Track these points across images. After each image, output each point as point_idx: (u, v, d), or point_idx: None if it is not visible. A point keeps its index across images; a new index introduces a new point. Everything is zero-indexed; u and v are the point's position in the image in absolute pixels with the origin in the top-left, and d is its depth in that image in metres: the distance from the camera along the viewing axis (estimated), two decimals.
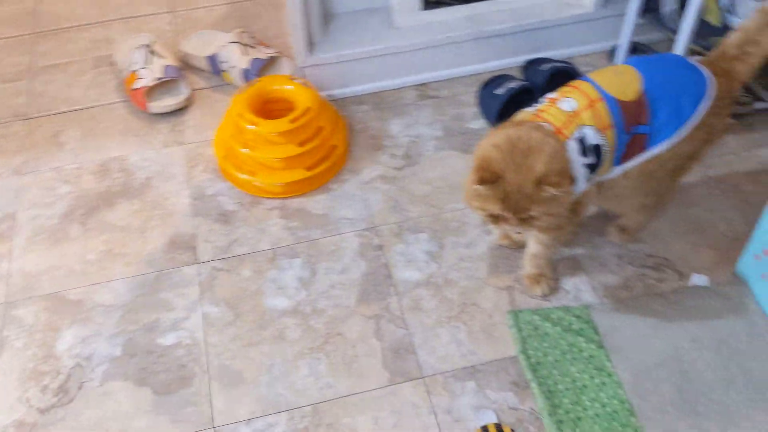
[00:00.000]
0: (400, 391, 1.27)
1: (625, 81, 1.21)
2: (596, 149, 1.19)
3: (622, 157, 1.24)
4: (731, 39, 1.27)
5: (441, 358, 1.31)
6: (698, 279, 1.41)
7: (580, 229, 1.49)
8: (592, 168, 1.21)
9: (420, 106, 1.78)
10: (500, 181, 1.12)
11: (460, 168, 1.63)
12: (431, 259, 1.46)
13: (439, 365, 1.30)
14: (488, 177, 1.11)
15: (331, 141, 1.60)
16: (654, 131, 1.22)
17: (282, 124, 1.51)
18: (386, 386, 1.27)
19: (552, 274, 1.41)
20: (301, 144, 1.53)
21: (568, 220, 1.29)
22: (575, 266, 1.44)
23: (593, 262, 1.45)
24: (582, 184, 1.22)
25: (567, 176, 1.14)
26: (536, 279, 1.39)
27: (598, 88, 1.20)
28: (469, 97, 1.80)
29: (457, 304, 1.39)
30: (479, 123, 1.73)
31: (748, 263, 1.38)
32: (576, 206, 1.28)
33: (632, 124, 1.20)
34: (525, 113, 1.23)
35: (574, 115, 1.18)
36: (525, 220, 1.16)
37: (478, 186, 1.12)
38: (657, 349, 1.30)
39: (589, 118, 1.18)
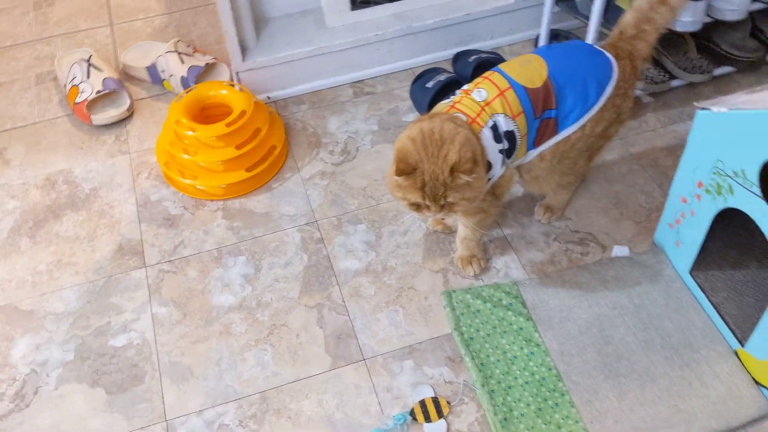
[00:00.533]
0: (342, 374, 1.34)
1: (531, 69, 1.29)
2: (509, 135, 1.27)
3: (535, 141, 1.32)
4: (627, 19, 1.36)
5: (381, 341, 1.39)
6: (619, 250, 1.50)
7: (508, 210, 1.57)
8: (508, 153, 1.30)
9: (356, 103, 1.85)
10: (417, 172, 1.19)
11: None
12: (370, 248, 1.54)
13: (379, 347, 1.38)
14: (405, 168, 1.19)
15: (269, 142, 1.66)
16: (563, 115, 1.30)
17: (218, 128, 1.57)
18: (329, 370, 1.34)
19: (483, 254, 1.49)
20: (239, 146, 1.59)
21: (490, 204, 1.37)
22: (505, 246, 1.52)
23: (522, 241, 1.53)
24: (499, 169, 1.30)
25: (479, 163, 1.22)
26: (468, 260, 1.47)
27: (507, 77, 1.28)
28: (403, 91, 1.87)
29: (395, 289, 1.46)
30: (413, 116, 1.81)
31: (663, 232, 1.47)
32: (497, 189, 1.36)
33: (541, 110, 1.28)
34: (442, 105, 1.31)
35: (485, 104, 1.26)
36: (444, 207, 1.23)
37: (396, 177, 1.20)
38: (581, 317, 1.39)
39: (500, 106, 1.26)
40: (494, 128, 1.26)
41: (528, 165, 1.38)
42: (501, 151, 1.28)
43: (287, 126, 1.79)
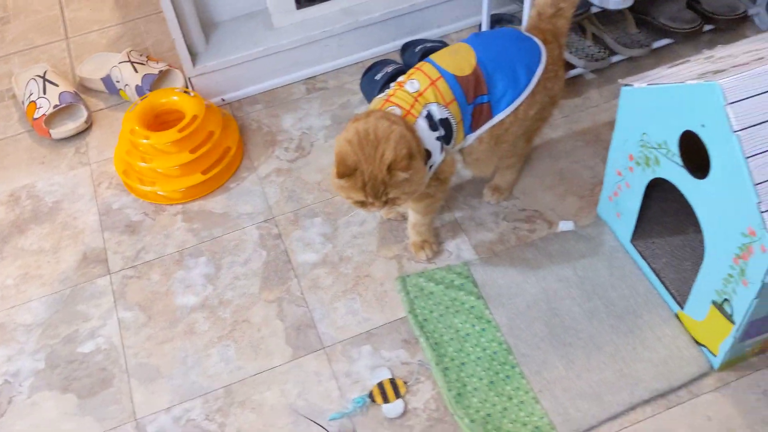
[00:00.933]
0: (303, 364, 1.39)
1: (460, 58, 1.34)
2: (444, 122, 1.32)
3: (472, 126, 1.37)
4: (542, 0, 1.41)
5: (339, 329, 1.44)
6: (564, 225, 1.55)
7: (458, 194, 1.63)
8: (446, 139, 1.35)
9: (309, 99, 1.90)
10: (356, 173, 1.24)
11: None
12: (326, 240, 1.59)
13: (338, 335, 1.43)
14: (344, 170, 1.24)
15: (223, 144, 1.71)
16: (495, 100, 1.35)
17: (171, 134, 1.61)
18: (290, 361, 1.40)
19: (434, 238, 1.54)
20: (193, 150, 1.64)
21: (436, 189, 1.42)
22: (456, 228, 1.58)
23: (472, 223, 1.59)
24: (438, 156, 1.35)
25: (416, 157, 1.26)
26: (420, 245, 1.53)
27: (437, 67, 1.33)
28: (354, 84, 1.92)
29: (351, 278, 1.52)
30: (364, 108, 1.85)
31: (604, 205, 1.53)
32: (440, 175, 1.41)
33: (473, 96, 1.33)
34: (377, 100, 1.36)
35: (418, 95, 1.31)
36: (387, 202, 1.29)
37: (337, 180, 1.25)
38: (529, 292, 1.44)
39: (432, 96, 1.31)
40: (429, 117, 1.31)
41: (468, 149, 1.43)
42: (438, 139, 1.33)
43: (242, 126, 1.84)
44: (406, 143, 1.25)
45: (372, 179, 1.24)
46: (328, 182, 1.69)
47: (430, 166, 1.35)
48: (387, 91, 1.35)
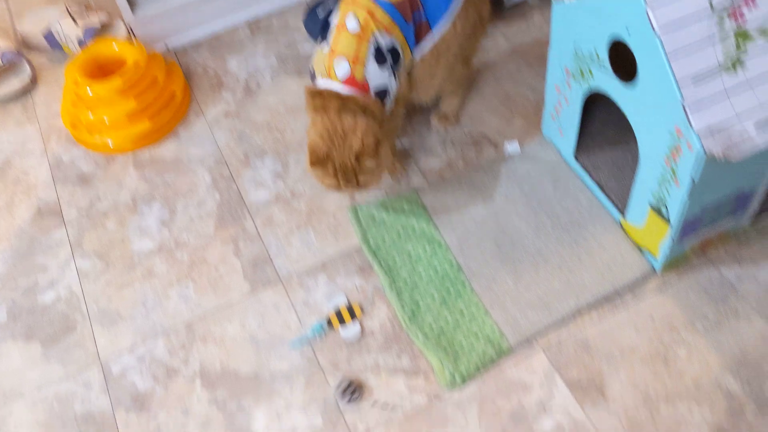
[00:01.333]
0: (261, 297, 1.43)
1: None
2: (392, 51, 1.34)
3: (415, 44, 1.39)
4: None
5: (295, 261, 1.47)
6: (511, 146, 1.58)
7: (407, 123, 1.64)
8: (397, 66, 1.36)
9: (254, 40, 1.89)
10: (328, 162, 1.32)
11: (297, 90, 1.76)
12: (278, 177, 1.61)
13: (294, 267, 1.46)
14: (317, 161, 1.31)
15: (168, 89, 1.70)
16: (431, 15, 1.37)
17: (114, 83, 1.61)
18: (249, 295, 1.43)
19: (399, 160, 1.57)
20: (138, 97, 1.64)
21: (396, 110, 1.44)
22: (405, 157, 1.60)
23: (421, 150, 1.61)
24: (394, 86, 1.37)
25: (383, 143, 1.33)
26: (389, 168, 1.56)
27: None
28: (298, 22, 1.91)
29: (304, 213, 1.54)
30: (309, 46, 1.85)
31: (547, 123, 1.56)
32: (396, 108, 1.44)
33: (411, 15, 1.35)
34: (322, 56, 1.35)
35: (362, 32, 1.31)
36: (359, 185, 1.36)
37: (311, 168, 1.33)
38: (477, 213, 1.48)
39: (375, 28, 1.32)
40: (377, 52, 1.32)
41: (414, 73, 1.44)
42: (389, 69, 1.34)
43: (188, 72, 1.83)
44: (372, 133, 1.31)
45: (343, 167, 1.32)
46: (277, 121, 1.70)
47: (389, 96, 1.37)
48: (329, 40, 1.34)
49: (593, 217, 1.44)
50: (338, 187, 1.36)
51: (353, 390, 1.27)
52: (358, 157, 1.31)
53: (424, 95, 1.54)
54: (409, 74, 1.46)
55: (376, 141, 1.31)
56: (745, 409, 1.19)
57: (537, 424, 1.22)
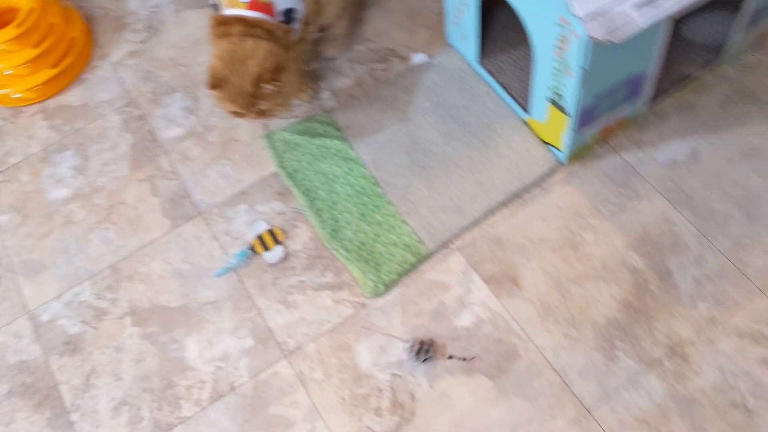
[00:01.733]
0: (183, 232, 1.44)
1: None
2: None
3: None
4: None
5: (213, 194, 1.48)
6: (417, 57, 1.59)
7: (314, 47, 1.64)
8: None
9: None
10: (226, 86, 1.29)
11: (201, 23, 1.73)
12: (189, 113, 1.60)
13: (213, 199, 1.47)
14: (215, 82, 1.30)
15: (68, 34, 1.66)
16: None
17: (9, 31, 1.56)
18: (170, 231, 1.44)
19: (310, 82, 1.58)
20: (37, 45, 1.59)
21: (305, 31, 1.44)
22: (314, 79, 1.60)
23: (329, 72, 1.61)
24: (300, 6, 1.35)
25: (285, 70, 1.31)
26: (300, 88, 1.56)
27: None
28: None
29: (219, 145, 1.54)
30: None
31: (451, 31, 1.57)
32: (305, 30, 1.43)
33: None
34: None
35: None
36: (262, 114, 1.35)
37: (209, 91, 1.31)
38: (389, 127, 1.50)
39: None
40: None
41: None
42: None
43: (89, 16, 1.78)
44: (274, 58, 1.30)
45: (241, 92, 1.30)
46: (183, 56, 1.68)
47: (297, 19, 1.36)
48: None
49: (500, 118, 1.48)
50: (240, 115, 1.35)
51: (426, 350, 1.24)
52: (256, 83, 1.30)
53: (329, 14, 1.53)
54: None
55: (277, 66, 1.31)
56: (649, 282, 1.27)
57: (457, 319, 1.28)
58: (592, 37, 1.10)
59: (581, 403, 1.18)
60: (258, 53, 1.30)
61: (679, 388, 1.17)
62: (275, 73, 1.30)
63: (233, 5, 1.31)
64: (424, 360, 1.23)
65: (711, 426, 1.13)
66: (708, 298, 1.24)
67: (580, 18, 1.10)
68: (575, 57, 1.17)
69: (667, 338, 1.21)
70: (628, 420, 1.15)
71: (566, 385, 1.19)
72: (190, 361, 1.29)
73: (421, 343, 1.23)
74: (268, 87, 1.31)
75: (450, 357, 1.24)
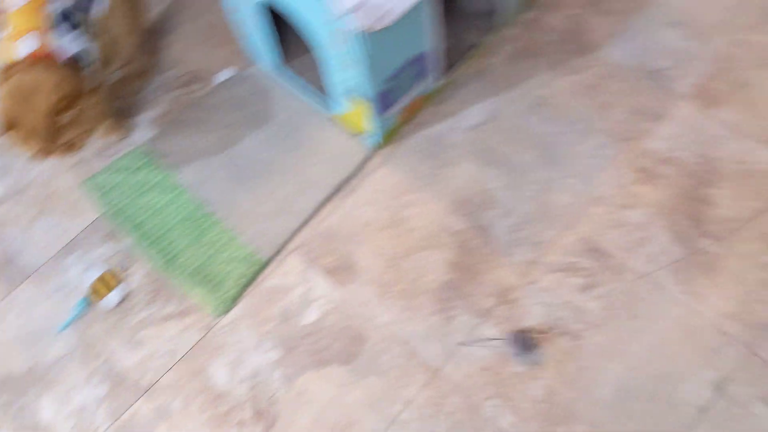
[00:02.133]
0: (17, 296, 1.40)
1: None
2: (78, 7, 1.32)
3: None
4: None
5: (43, 249, 1.45)
6: (222, 75, 1.62)
7: (121, 83, 1.63)
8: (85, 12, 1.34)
9: None
10: (20, 124, 1.24)
11: None
12: (5, 173, 1.55)
13: (44, 255, 1.44)
14: (8, 124, 1.24)
15: None
16: None
17: None
18: (3, 299, 1.40)
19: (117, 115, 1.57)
20: None
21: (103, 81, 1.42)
22: (125, 115, 1.60)
23: (139, 105, 1.61)
24: (88, 46, 1.34)
25: (81, 95, 1.26)
26: (111, 127, 1.54)
27: None
28: None
29: (39, 200, 1.51)
30: None
31: (249, 43, 1.60)
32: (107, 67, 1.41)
33: None
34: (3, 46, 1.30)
35: (32, 1, 1.27)
36: (68, 146, 1.30)
37: (5, 135, 1.25)
38: (205, 147, 1.52)
39: None
40: (62, 14, 1.28)
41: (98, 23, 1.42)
42: (74, 27, 1.31)
43: None
44: (65, 85, 1.24)
45: (36, 127, 1.24)
46: None
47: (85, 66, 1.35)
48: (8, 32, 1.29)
49: (309, 118, 1.53)
50: (47, 151, 1.30)
51: (525, 338, 1.23)
52: (51, 114, 1.25)
53: (128, 50, 1.53)
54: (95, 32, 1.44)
55: (71, 93, 1.25)
56: (470, 241, 1.35)
57: (304, 317, 1.32)
58: (360, 28, 1.16)
59: (429, 367, 1.25)
60: (46, 85, 1.24)
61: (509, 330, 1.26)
62: (70, 100, 1.26)
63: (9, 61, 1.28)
64: (531, 347, 1.24)
65: (544, 356, 1.23)
66: (523, 243, 1.34)
67: (345, 13, 1.16)
68: (354, 49, 1.23)
69: (494, 288, 1.30)
70: (474, 370, 1.23)
71: (413, 353, 1.26)
72: (46, 422, 1.27)
73: (518, 333, 1.24)
74: (65, 116, 1.27)
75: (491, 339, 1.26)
